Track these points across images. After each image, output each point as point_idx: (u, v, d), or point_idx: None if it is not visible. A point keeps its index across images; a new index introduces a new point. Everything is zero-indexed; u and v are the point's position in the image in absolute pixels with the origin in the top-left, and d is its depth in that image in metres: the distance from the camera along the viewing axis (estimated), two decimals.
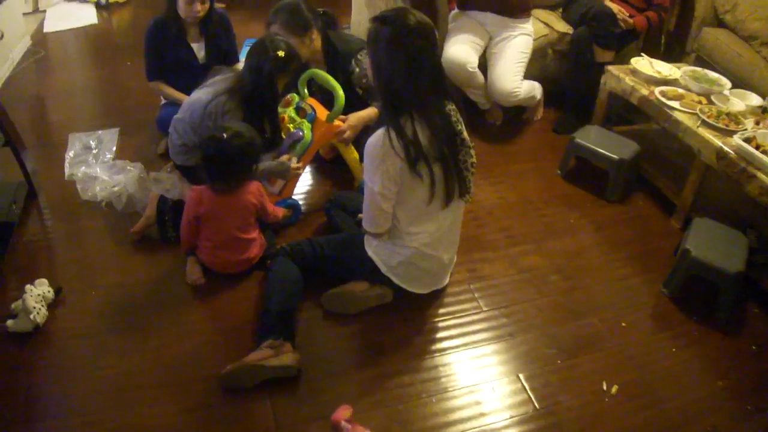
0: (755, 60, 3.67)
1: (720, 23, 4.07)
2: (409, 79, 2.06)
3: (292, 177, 2.80)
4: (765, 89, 3.37)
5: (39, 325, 2.29)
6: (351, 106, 2.87)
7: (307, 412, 2.07)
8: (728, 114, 2.88)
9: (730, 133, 2.78)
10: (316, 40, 2.97)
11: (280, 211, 2.71)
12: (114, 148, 3.40)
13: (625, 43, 3.85)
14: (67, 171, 3.22)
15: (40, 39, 5.04)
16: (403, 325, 2.42)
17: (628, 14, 3.70)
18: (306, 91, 2.96)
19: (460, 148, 2.19)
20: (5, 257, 2.63)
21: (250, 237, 2.53)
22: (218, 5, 3.38)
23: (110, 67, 4.53)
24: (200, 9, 3.08)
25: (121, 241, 2.77)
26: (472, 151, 2.26)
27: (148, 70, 3.28)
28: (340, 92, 2.73)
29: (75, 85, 4.29)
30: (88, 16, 5.55)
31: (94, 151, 3.35)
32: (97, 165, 3.18)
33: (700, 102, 3.02)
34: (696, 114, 2.93)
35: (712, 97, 3.08)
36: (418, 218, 2.25)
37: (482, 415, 2.11)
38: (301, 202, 2.97)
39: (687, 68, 3.36)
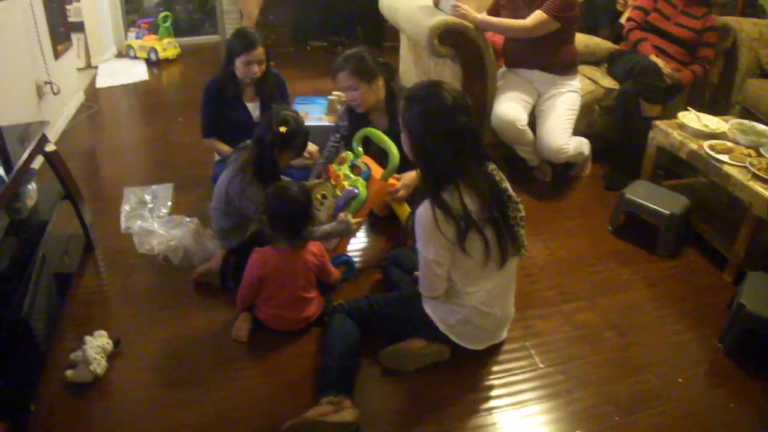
0: None
1: (764, 74, 4.10)
2: (450, 156, 2.07)
3: (350, 234, 2.84)
4: None
5: (99, 376, 2.33)
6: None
7: None
8: None
9: None
10: (381, 88, 3.07)
11: (337, 271, 2.74)
12: (169, 203, 3.49)
13: (671, 97, 3.86)
14: (123, 224, 3.30)
15: (92, 94, 5.21)
16: (460, 383, 2.41)
17: (673, 68, 3.72)
18: (360, 149, 3.02)
19: (508, 204, 2.20)
20: (64, 308, 2.69)
21: (310, 296, 2.56)
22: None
23: (161, 122, 4.66)
24: (257, 70, 3.18)
25: (177, 295, 2.82)
26: (520, 206, 2.27)
27: (204, 128, 3.37)
28: (395, 151, 2.76)
29: (127, 140, 4.42)
30: (139, 72, 5.75)
31: (150, 206, 3.44)
32: (153, 219, 3.26)
33: (749, 155, 3.01)
34: (746, 167, 2.92)
35: (761, 150, 3.06)
36: (474, 279, 2.26)
37: None
38: (355, 259, 3.01)
39: (734, 121, 3.35)
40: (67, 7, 5.42)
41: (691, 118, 3.39)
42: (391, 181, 2.88)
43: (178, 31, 6.71)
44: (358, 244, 3.24)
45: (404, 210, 3.06)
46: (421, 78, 4.13)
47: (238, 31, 3.22)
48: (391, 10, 4.26)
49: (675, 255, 3.21)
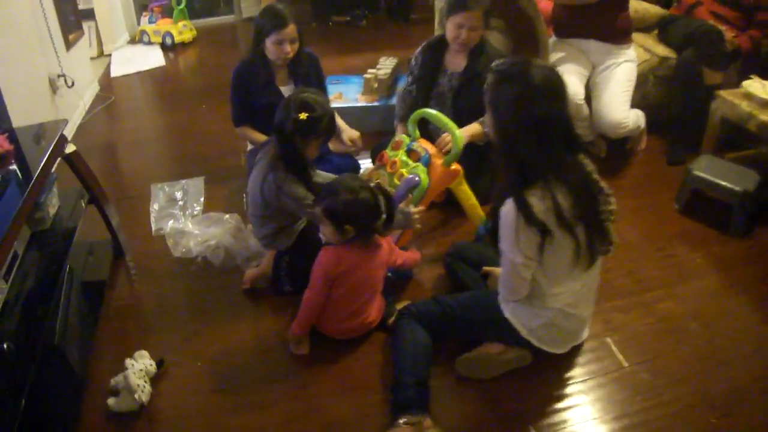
0: None
1: None
2: (540, 148, 1.84)
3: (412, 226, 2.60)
4: None
5: (144, 404, 2.12)
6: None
7: None
8: None
9: None
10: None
11: (414, 251, 2.63)
12: (202, 199, 3.27)
13: (731, 63, 3.64)
14: (153, 226, 3.10)
15: (107, 84, 5.01)
16: (542, 391, 2.21)
17: (732, 34, 3.52)
18: (417, 131, 2.79)
19: (599, 197, 1.98)
20: (99, 324, 2.49)
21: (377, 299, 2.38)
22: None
23: (183, 111, 4.44)
24: (290, 50, 2.91)
25: (222, 302, 2.61)
26: (611, 198, 2.03)
27: (235, 116, 3.13)
28: (458, 132, 2.56)
29: (149, 132, 4.21)
30: (155, 58, 5.55)
31: (181, 203, 3.23)
32: (187, 218, 3.04)
33: None
34: None
35: None
36: (561, 279, 2.05)
37: None
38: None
39: None
40: None
41: (757, 86, 3.15)
42: (454, 166, 2.65)
43: (191, 12, 6.49)
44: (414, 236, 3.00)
45: (468, 197, 2.81)
46: None
47: (266, 8, 2.96)
48: None
49: (748, 234, 3.01)
